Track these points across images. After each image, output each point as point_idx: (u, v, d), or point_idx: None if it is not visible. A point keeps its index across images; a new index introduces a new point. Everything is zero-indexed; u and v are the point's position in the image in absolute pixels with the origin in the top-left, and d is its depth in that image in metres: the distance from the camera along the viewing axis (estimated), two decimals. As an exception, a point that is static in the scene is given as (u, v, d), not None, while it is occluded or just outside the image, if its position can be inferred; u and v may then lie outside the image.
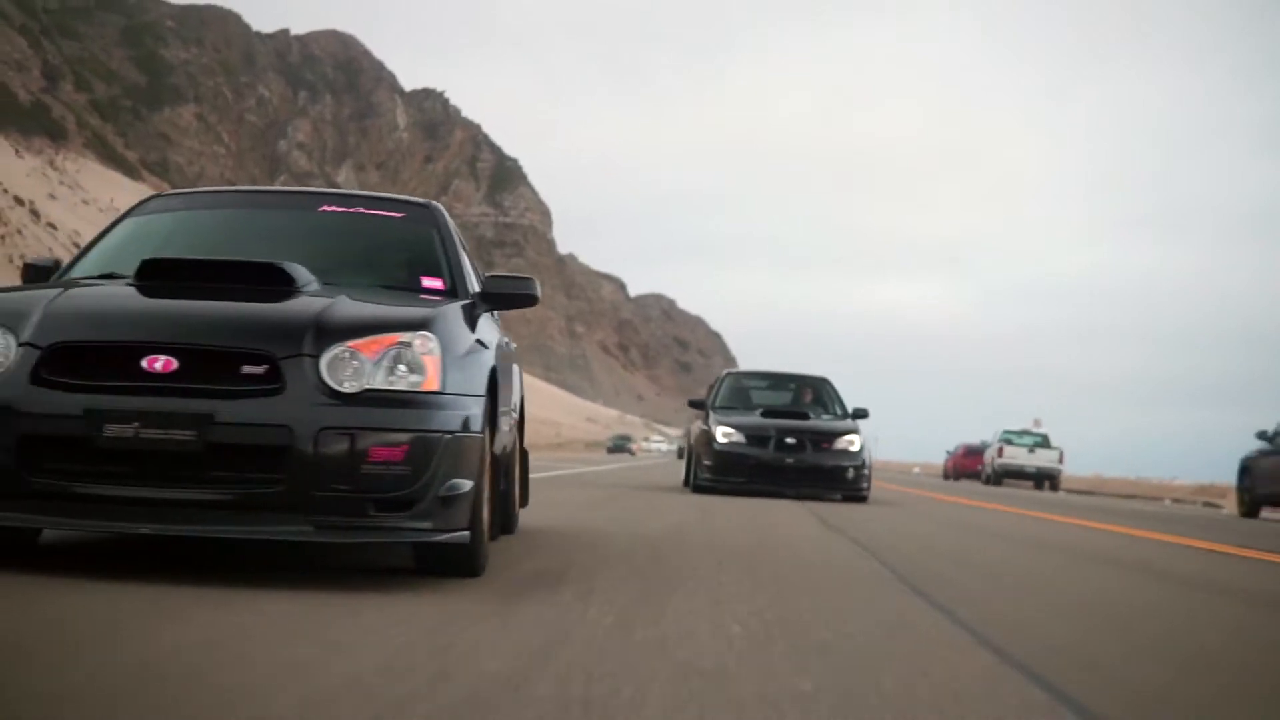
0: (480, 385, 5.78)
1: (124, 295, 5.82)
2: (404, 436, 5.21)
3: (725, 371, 21.27)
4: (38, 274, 6.79)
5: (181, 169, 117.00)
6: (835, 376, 20.39)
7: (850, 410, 19.13)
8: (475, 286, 7.14)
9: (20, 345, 5.23)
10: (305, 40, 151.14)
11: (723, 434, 17.25)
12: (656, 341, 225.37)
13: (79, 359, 5.20)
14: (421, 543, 5.47)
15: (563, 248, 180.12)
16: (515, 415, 8.56)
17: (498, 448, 6.84)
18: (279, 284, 5.80)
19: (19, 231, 73.91)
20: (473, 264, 8.00)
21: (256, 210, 7.98)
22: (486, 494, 6.10)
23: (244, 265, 5.97)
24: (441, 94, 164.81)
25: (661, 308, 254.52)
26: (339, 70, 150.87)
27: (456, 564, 5.77)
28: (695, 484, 17.62)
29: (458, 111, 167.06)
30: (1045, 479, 45.10)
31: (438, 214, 7.46)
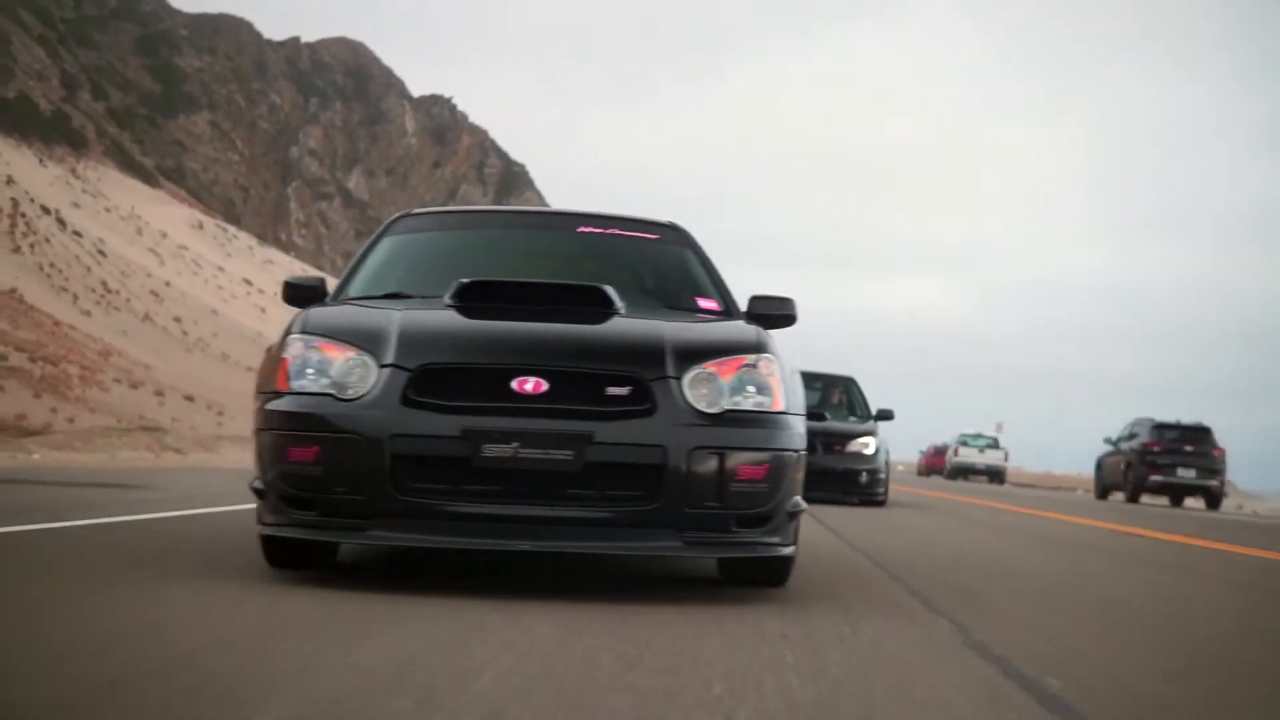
0: (803, 405, 5.91)
1: (473, 318, 5.85)
2: (765, 455, 5.39)
3: None
4: (301, 292, 6.66)
5: (197, 175, 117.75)
6: (834, 373, 19.75)
7: (874, 412, 18.48)
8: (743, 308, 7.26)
9: (383, 367, 5.37)
10: (315, 47, 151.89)
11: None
12: None
13: (450, 381, 5.35)
14: (739, 555, 5.62)
15: None
16: None
17: None
18: (602, 306, 5.91)
19: (46, 240, 74.36)
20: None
21: (515, 231, 8.02)
22: None
23: (568, 287, 6.13)
24: (449, 100, 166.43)
25: None
26: (349, 77, 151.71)
27: (768, 574, 5.94)
28: None
29: (465, 117, 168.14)
30: (993, 474, 53.12)
31: (687, 235, 7.53)
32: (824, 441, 16.26)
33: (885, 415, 18.29)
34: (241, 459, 20.55)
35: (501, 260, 7.32)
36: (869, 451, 16.96)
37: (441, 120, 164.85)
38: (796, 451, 5.55)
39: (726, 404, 5.41)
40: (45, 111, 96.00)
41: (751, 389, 5.51)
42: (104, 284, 75.17)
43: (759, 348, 5.68)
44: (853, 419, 18.26)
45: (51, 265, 72.44)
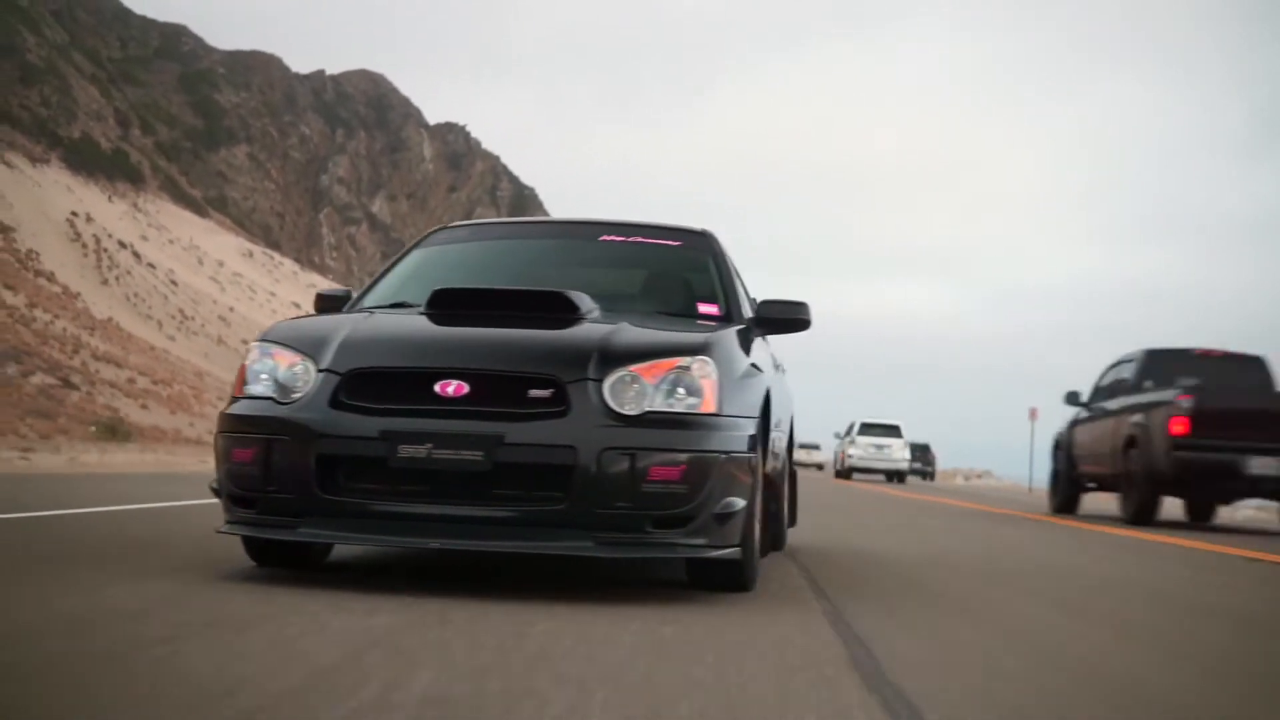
0: (754, 407, 5.79)
1: (417, 324, 5.96)
2: (682, 456, 5.22)
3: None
4: (330, 303, 6.93)
5: (238, 204, 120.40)
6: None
7: None
8: (749, 311, 7.12)
9: (320, 371, 5.43)
10: (339, 80, 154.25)
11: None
12: None
13: (375, 384, 5.39)
14: (700, 559, 5.49)
15: None
16: (786, 435, 8.46)
17: (769, 468, 6.67)
18: (564, 311, 5.89)
19: (128, 273, 78.37)
20: (744, 288, 7.86)
21: (540, 240, 8.03)
22: (758, 512, 5.95)
23: (530, 294, 6.12)
24: (463, 127, 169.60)
25: None
26: (370, 107, 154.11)
27: (728, 579, 5.76)
28: None
29: (478, 144, 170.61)
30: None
31: (713, 241, 7.44)
32: None
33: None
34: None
35: (521, 270, 7.34)
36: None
37: (456, 146, 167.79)
38: (728, 454, 5.37)
39: (650, 406, 5.31)
40: (106, 149, 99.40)
41: (682, 391, 5.39)
42: (181, 311, 79.15)
43: (698, 350, 5.53)
44: None
45: (135, 295, 76.50)
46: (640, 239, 7.54)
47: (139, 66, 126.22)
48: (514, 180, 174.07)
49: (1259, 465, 15.50)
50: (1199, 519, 18.51)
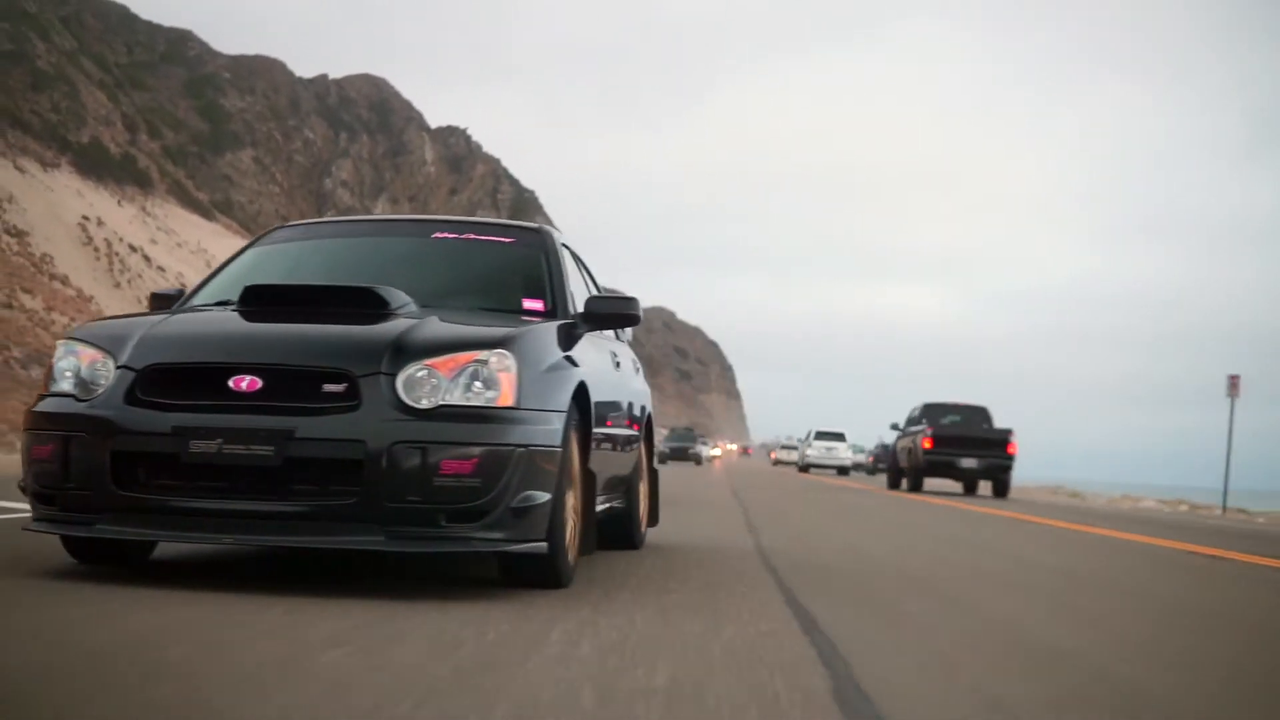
0: (561, 401, 5.78)
1: (221, 320, 6.02)
2: (475, 450, 5.28)
3: None
4: (162, 302, 6.97)
5: (243, 207, 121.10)
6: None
7: None
8: (577, 308, 7.03)
9: (118, 368, 5.49)
10: (342, 84, 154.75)
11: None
12: (659, 352, 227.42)
13: (169, 380, 5.43)
14: (506, 554, 5.55)
15: None
16: (635, 433, 8.37)
17: (596, 464, 6.73)
18: (374, 307, 5.93)
19: (139, 276, 79.47)
20: (593, 284, 8.27)
21: (373, 239, 7.85)
22: (570, 507, 6.05)
23: (340, 290, 6.16)
24: (464, 130, 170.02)
25: (663, 319, 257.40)
26: (373, 111, 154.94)
27: (539, 575, 5.84)
28: None
29: (479, 147, 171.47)
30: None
31: (547, 238, 7.44)
32: None
33: None
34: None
35: (349, 267, 7.26)
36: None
37: (458, 149, 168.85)
38: (527, 447, 5.37)
39: (445, 400, 5.35)
40: (115, 154, 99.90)
41: (479, 385, 5.40)
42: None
43: (497, 344, 5.54)
44: None
45: (147, 298, 77.74)
46: (473, 236, 7.52)
47: (145, 71, 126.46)
48: (514, 183, 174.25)
49: (965, 462, 31.04)
50: (967, 491, 33.54)
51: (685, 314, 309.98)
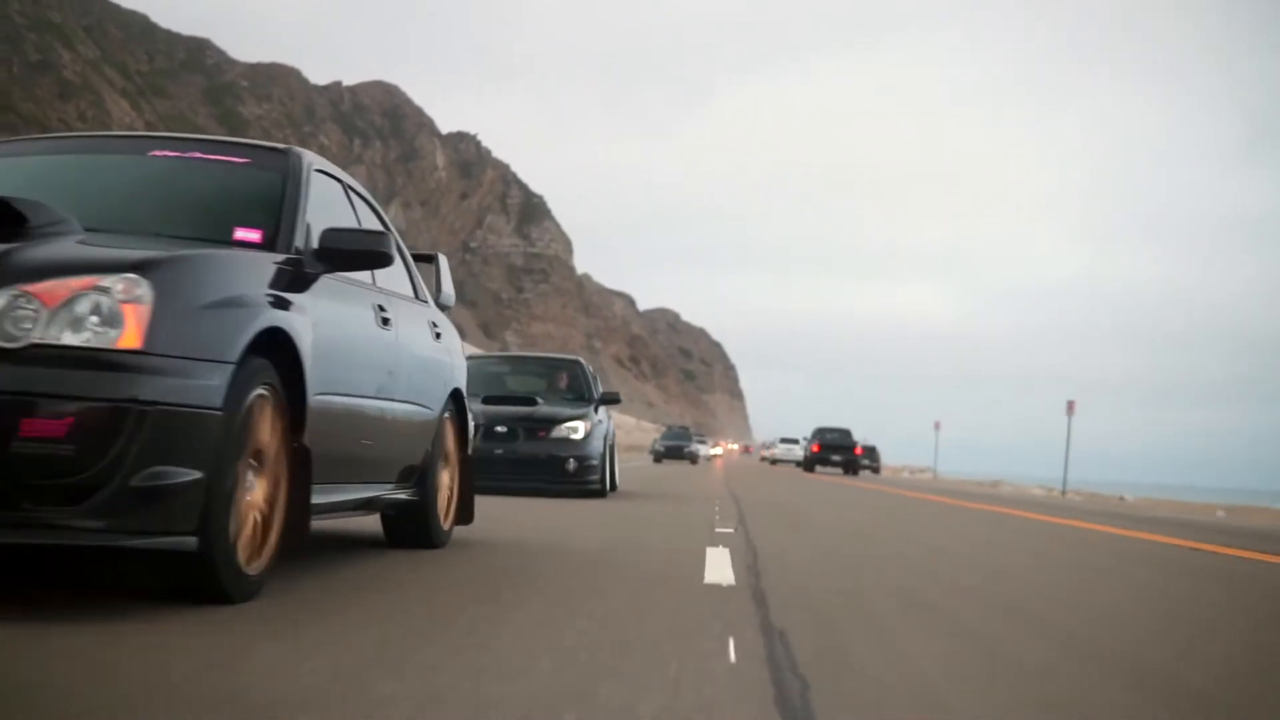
0: (226, 349, 4.34)
1: None
2: (71, 406, 3.90)
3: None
4: None
5: None
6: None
7: (599, 395, 16.64)
8: (314, 243, 5.53)
9: None
10: (355, 90, 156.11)
11: None
12: (664, 353, 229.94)
13: None
14: (138, 550, 4.10)
15: (579, 268, 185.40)
16: (423, 410, 6.89)
17: (319, 441, 5.15)
18: (7, 223, 4.40)
19: None
20: (388, 227, 6.76)
21: (78, 157, 6.30)
22: (237, 491, 4.46)
23: None
24: (474, 136, 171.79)
25: (667, 321, 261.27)
26: (385, 117, 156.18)
27: (191, 582, 4.40)
28: None
29: (489, 153, 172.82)
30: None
31: (294, 160, 5.91)
32: (526, 427, 14.97)
33: (610, 399, 16.76)
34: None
35: (37, 187, 5.47)
36: (577, 436, 15.05)
37: (468, 155, 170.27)
38: (156, 405, 3.99)
39: (38, 337, 3.95)
40: None
41: (95, 319, 4.01)
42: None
43: (132, 268, 4.13)
44: (570, 404, 16.16)
45: None
46: (198, 154, 6.05)
47: (166, 79, 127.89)
48: (523, 187, 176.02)
49: (834, 457, 56.21)
50: (848, 473, 55.80)
51: (690, 315, 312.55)
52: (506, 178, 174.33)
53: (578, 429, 15.14)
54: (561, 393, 16.77)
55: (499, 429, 14.82)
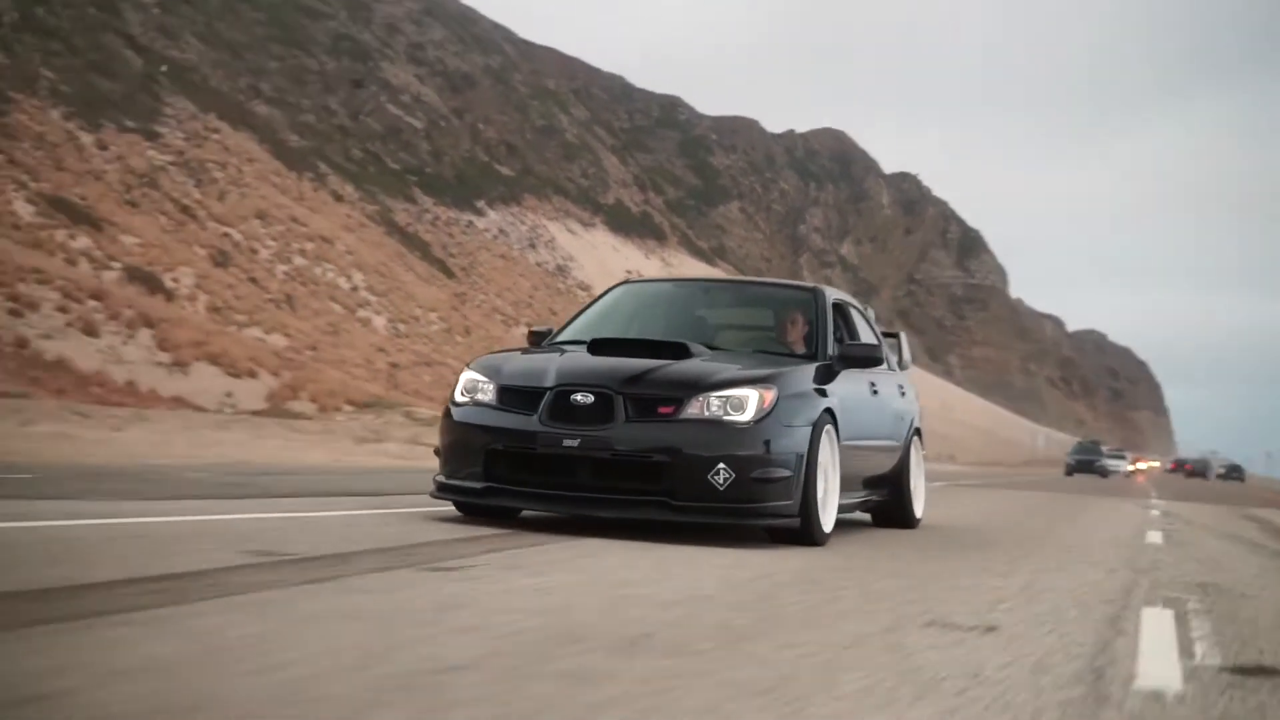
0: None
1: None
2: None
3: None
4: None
5: (734, 252, 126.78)
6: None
7: (838, 348, 8.18)
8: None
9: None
10: (808, 138, 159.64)
11: (463, 390, 7.37)
12: (1092, 374, 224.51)
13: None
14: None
15: (1011, 292, 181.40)
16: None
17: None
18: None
19: None
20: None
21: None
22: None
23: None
24: (915, 176, 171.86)
25: (1094, 341, 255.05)
26: (834, 161, 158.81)
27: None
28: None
29: (929, 191, 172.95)
30: None
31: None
32: (634, 398, 7.03)
33: (862, 355, 8.37)
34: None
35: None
36: (741, 418, 6.96)
37: (910, 194, 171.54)
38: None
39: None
40: (635, 212, 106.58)
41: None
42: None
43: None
44: (756, 361, 7.78)
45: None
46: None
47: (646, 135, 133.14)
48: (960, 223, 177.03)
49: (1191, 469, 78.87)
50: None
51: (1116, 335, 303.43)
52: (945, 214, 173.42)
53: (743, 404, 6.95)
54: (778, 346, 8.42)
55: (578, 399, 7.01)
